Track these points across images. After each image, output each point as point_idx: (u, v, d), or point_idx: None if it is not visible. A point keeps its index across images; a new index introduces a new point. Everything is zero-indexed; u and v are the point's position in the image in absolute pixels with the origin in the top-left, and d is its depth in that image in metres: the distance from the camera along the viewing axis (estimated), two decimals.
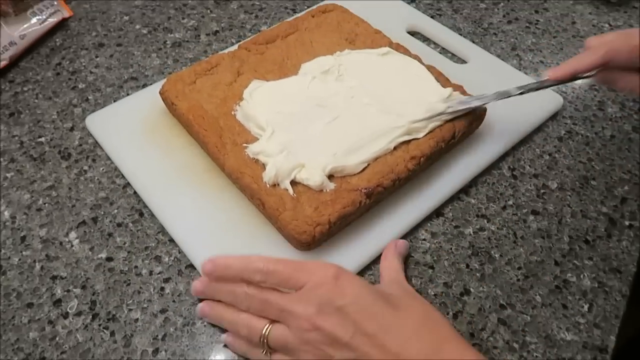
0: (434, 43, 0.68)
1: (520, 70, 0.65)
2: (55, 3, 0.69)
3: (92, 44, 0.68)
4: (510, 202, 0.52)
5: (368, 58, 0.57)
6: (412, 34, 0.68)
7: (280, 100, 0.52)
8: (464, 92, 0.54)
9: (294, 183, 0.46)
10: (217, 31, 0.70)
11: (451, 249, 0.49)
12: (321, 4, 0.67)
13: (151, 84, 0.63)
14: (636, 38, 0.45)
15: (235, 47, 0.60)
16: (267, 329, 0.39)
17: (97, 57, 0.67)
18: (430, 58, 0.59)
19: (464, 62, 0.65)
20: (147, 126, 0.56)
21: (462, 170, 0.53)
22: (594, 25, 0.72)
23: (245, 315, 0.40)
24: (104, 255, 0.48)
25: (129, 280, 0.46)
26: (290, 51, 0.58)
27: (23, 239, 0.49)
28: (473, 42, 0.68)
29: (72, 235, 0.49)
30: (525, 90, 0.49)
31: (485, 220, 0.51)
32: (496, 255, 0.48)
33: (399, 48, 0.59)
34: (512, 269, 0.47)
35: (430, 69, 0.56)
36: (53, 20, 0.68)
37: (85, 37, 0.69)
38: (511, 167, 0.55)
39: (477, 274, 0.47)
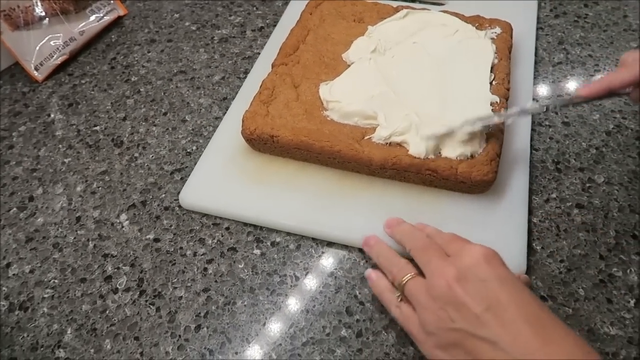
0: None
1: (567, 63, 0.64)
2: (112, 2, 0.73)
3: (145, 40, 0.72)
4: (554, 195, 0.51)
5: (395, 25, 0.60)
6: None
7: (362, 88, 0.53)
8: (481, 20, 0.61)
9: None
10: (262, 27, 0.72)
11: None
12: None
13: (198, 77, 0.65)
14: None
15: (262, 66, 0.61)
16: (408, 277, 0.40)
17: (149, 52, 0.70)
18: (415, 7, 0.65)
19: (441, 4, 0.70)
20: (247, 175, 0.53)
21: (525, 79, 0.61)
22: None
23: (404, 261, 0.42)
24: (151, 236, 0.50)
25: (174, 260, 0.49)
26: (320, 50, 0.59)
27: (78, 219, 0.52)
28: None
29: (123, 217, 0.52)
30: (554, 107, 0.48)
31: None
32: (537, 248, 0.48)
33: (408, 8, 0.63)
34: (554, 262, 0.47)
35: (446, 12, 0.62)
36: (109, 17, 0.72)
37: (138, 34, 0.73)
38: (555, 160, 0.54)
39: None
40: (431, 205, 0.50)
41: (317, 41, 0.60)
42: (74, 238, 0.51)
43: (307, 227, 0.49)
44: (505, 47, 0.58)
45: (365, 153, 0.49)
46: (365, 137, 0.50)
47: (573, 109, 0.59)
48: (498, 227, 0.48)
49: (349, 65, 0.56)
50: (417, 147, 0.48)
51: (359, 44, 0.58)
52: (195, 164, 0.55)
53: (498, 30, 0.60)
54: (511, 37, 0.60)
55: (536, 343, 0.32)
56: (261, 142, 0.52)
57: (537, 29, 0.69)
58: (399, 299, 0.40)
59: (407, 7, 0.63)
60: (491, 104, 0.51)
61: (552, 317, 0.34)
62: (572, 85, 0.62)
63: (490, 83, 0.54)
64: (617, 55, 0.65)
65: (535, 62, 0.65)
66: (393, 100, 0.52)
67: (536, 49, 0.66)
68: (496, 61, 0.56)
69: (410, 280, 0.39)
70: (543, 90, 0.61)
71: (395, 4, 0.65)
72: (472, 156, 0.48)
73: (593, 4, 0.72)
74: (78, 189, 0.55)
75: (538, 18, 0.70)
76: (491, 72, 0.55)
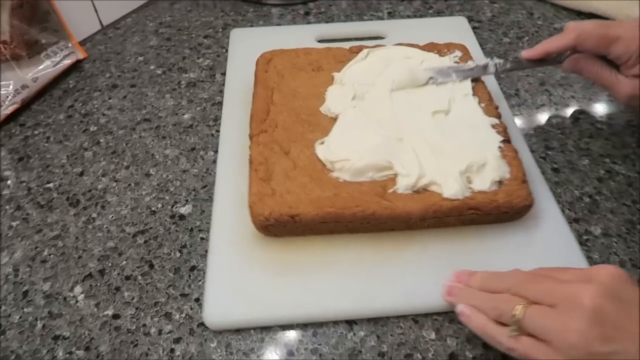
0: (347, 39, 0.69)
1: (551, 105, 0.62)
2: (70, 45, 0.68)
3: (106, 85, 0.67)
4: None
5: (360, 66, 0.58)
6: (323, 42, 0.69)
7: (362, 139, 0.49)
8: (438, 47, 0.59)
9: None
10: None
11: None
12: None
13: (164, 126, 0.60)
14: (610, 28, 0.48)
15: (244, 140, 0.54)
16: (521, 307, 0.36)
17: (110, 98, 0.65)
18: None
19: (382, 37, 0.70)
20: (271, 268, 0.46)
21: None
22: None
23: (505, 294, 0.38)
24: (110, 312, 0.45)
25: (137, 340, 0.43)
26: (293, 107, 0.53)
27: (25, 294, 0.46)
28: (496, 77, 0.65)
29: (77, 289, 0.46)
30: (502, 69, 0.55)
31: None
32: None
33: (362, 48, 0.60)
34: None
35: (404, 44, 0.60)
36: (67, 62, 0.67)
37: (99, 79, 0.68)
38: None
39: None
40: (479, 243, 0.47)
41: (285, 99, 0.54)
42: (20, 317, 0.44)
43: (363, 307, 0.44)
44: None
45: (401, 208, 0.45)
46: (389, 191, 0.46)
47: (561, 153, 0.56)
48: (550, 245, 0.47)
49: (332, 119, 0.52)
50: (451, 189, 0.45)
51: (334, 94, 0.54)
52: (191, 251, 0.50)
53: (458, 53, 0.59)
54: (471, 58, 0.59)
55: None
56: (279, 226, 0.45)
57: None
58: (515, 334, 0.36)
59: (360, 46, 0.60)
60: (493, 126, 0.51)
61: None
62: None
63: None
64: (600, 97, 0.63)
65: (518, 104, 0.63)
66: (398, 144, 0.49)
67: (517, 90, 0.64)
68: (473, 83, 0.55)
69: (528, 309, 0.35)
70: (525, 123, 0.59)
71: (346, 45, 0.61)
72: (500, 182, 0.46)
73: None
74: (26, 257, 0.49)
75: (517, 58, 0.69)
76: (473, 95, 0.54)
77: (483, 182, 0.46)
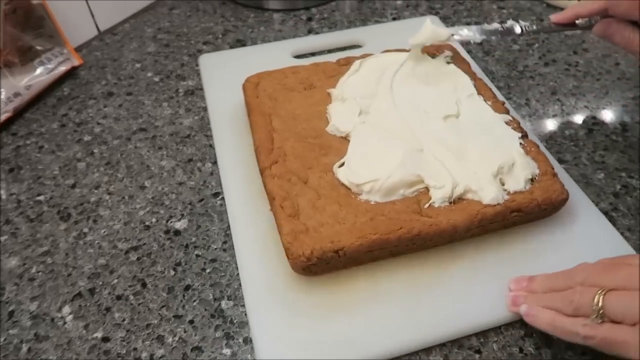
0: (324, 51, 0.67)
1: (563, 115, 0.60)
2: (65, 51, 0.66)
3: (101, 93, 0.65)
4: None
5: (355, 79, 0.55)
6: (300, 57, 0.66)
7: (383, 155, 0.46)
8: (426, 49, 0.56)
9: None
10: None
11: (500, 328, 0.42)
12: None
13: (161, 135, 0.58)
14: None
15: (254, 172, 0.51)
16: (599, 295, 0.35)
17: (105, 107, 0.63)
18: (334, 57, 0.60)
19: (360, 46, 0.67)
20: (321, 311, 0.42)
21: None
22: None
23: (577, 286, 0.37)
24: (99, 334, 0.42)
25: None
26: (297, 132, 0.50)
27: (11, 314, 0.44)
28: (506, 86, 0.63)
29: (66, 309, 0.44)
30: (528, 31, 0.53)
31: None
32: (555, 337, 0.41)
33: (352, 59, 0.57)
34: (575, 355, 0.40)
35: (392, 50, 0.57)
36: (62, 69, 0.65)
37: (94, 86, 0.66)
38: None
39: None
40: (523, 246, 0.46)
41: (286, 124, 0.51)
42: (4, 340, 0.42)
43: (426, 336, 0.41)
44: (467, 67, 0.56)
45: (445, 223, 0.42)
46: (424, 206, 0.43)
47: (574, 166, 0.54)
48: (593, 237, 0.47)
49: (343, 138, 0.49)
50: (489, 194, 0.44)
51: (338, 112, 0.51)
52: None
53: (449, 53, 0.57)
54: (461, 57, 0.57)
55: None
56: (322, 264, 0.41)
57: (528, 77, 0.65)
58: (598, 321, 0.35)
59: (348, 58, 0.58)
60: (507, 123, 0.50)
61: None
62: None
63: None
64: (614, 106, 0.61)
65: (529, 115, 0.60)
66: (420, 155, 0.46)
67: (528, 99, 0.62)
68: (473, 82, 0.53)
69: (607, 295, 0.35)
70: (537, 134, 0.56)
71: (333, 57, 0.59)
72: (532, 179, 0.45)
73: (582, 51, 0.68)
74: (14, 274, 0.46)
75: (527, 66, 0.67)
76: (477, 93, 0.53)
77: (516, 182, 0.45)
